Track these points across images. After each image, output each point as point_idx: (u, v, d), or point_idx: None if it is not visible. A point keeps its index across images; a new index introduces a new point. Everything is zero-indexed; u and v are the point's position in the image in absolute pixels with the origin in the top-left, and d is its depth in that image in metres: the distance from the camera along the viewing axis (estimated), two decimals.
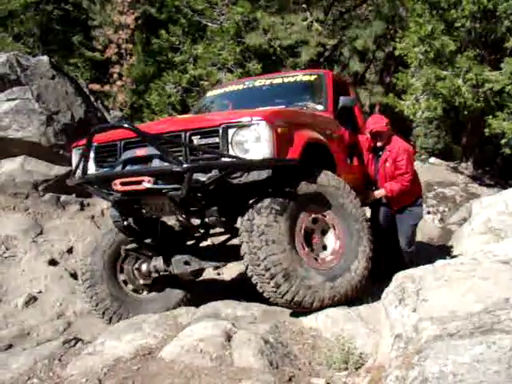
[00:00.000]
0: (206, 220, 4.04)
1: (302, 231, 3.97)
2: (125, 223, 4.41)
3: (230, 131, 3.67)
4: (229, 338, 3.26)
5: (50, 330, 5.31)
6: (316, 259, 4.05)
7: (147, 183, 3.73)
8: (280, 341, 3.48)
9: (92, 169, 4.27)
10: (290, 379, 2.99)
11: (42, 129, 7.85)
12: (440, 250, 7.98)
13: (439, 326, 2.61)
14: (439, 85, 11.27)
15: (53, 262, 6.62)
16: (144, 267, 4.77)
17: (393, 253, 5.74)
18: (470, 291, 2.94)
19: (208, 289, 5.92)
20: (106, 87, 20.14)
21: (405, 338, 2.83)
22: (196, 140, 3.80)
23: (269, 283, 3.71)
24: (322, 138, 4.39)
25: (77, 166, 4.18)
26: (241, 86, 5.88)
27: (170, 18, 17.72)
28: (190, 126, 3.88)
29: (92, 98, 9.58)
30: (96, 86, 18.33)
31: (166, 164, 3.70)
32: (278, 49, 14.77)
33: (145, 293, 4.90)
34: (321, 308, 3.91)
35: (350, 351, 3.32)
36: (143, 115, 17.48)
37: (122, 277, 4.83)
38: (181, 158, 3.70)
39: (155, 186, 3.77)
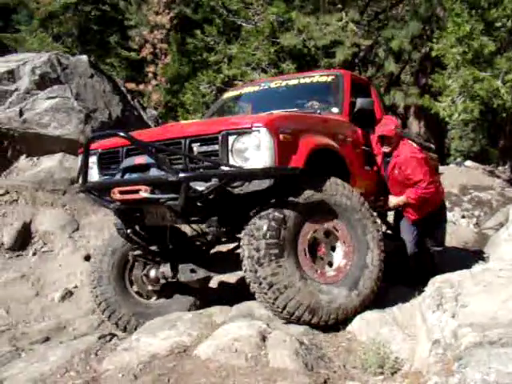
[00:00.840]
0: (207, 230, 3.91)
1: (308, 254, 3.77)
2: (128, 231, 4.30)
3: (231, 138, 3.50)
4: (264, 338, 3.24)
5: (86, 325, 5.40)
6: (330, 272, 3.90)
7: (144, 192, 3.63)
8: (314, 343, 3.45)
9: (96, 176, 4.22)
10: (325, 382, 2.96)
11: (80, 127, 8.01)
12: (476, 256, 7.82)
13: (480, 333, 2.56)
14: (477, 86, 11.04)
15: (88, 258, 6.71)
16: (152, 273, 4.67)
17: (420, 257, 5.45)
18: (511, 298, 2.87)
19: (240, 287, 5.93)
20: (141, 86, 20.42)
21: (443, 343, 2.78)
22: (196, 147, 3.64)
23: (298, 321, 3.63)
24: (332, 143, 4.16)
25: (79, 173, 4.11)
26: (257, 88, 5.66)
27: (205, 18, 17.84)
28: (189, 133, 3.72)
29: (129, 97, 9.71)
30: (131, 85, 18.58)
31: (163, 173, 3.57)
32: (313, 49, 14.69)
33: (153, 298, 4.83)
34: (355, 315, 3.86)
35: (385, 355, 3.27)
36: (177, 114, 17.63)
37: (134, 288, 4.78)
38: (181, 167, 3.60)
39: (152, 196, 3.66)
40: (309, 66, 14.73)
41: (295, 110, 4.77)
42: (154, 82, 20.56)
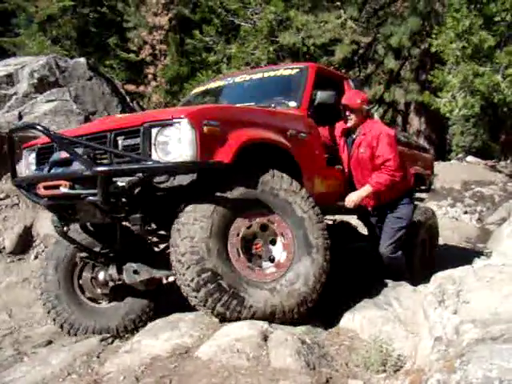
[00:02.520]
0: (133, 229, 3.69)
1: (255, 266, 3.58)
2: (65, 229, 4.12)
3: (154, 131, 3.31)
4: (265, 338, 3.22)
5: None
6: (283, 255, 3.68)
7: (64, 188, 3.51)
8: (316, 341, 3.43)
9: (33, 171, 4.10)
10: (327, 381, 2.95)
11: None
12: (478, 251, 7.81)
13: (482, 329, 2.55)
14: (477, 81, 11.04)
15: None
16: (101, 276, 4.43)
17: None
18: None
19: None
20: (141, 88, 20.45)
21: (445, 340, 2.77)
22: (121, 141, 3.45)
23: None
24: (276, 138, 3.87)
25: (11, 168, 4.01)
26: (222, 83, 5.49)
27: (203, 19, 17.90)
28: (114, 126, 3.55)
29: (128, 99, 9.71)
30: (131, 87, 18.63)
31: (82, 167, 3.38)
32: (312, 47, 14.71)
33: (105, 303, 4.58)
34: (329, 270, 3.79)
35: (387, 353, 3.26)
36: None
37: (86, 294, 4.57)
38: (106, 161, 3.45)
39: (71, 191, 3.52)
40: None
41: (252, 104, 4.54)
42: (153, 84, 20.60)
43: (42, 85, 8.11)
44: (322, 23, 14.27)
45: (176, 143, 3.26)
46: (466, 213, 11.21)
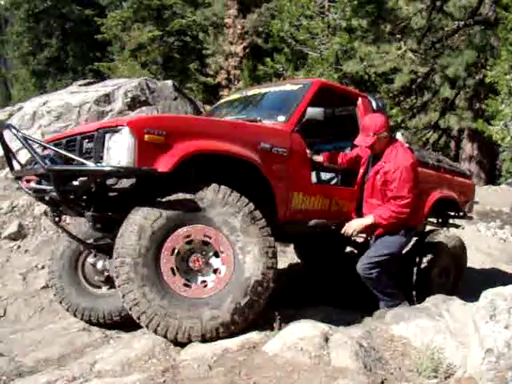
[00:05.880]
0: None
1: (179, 277, 3.39)
2: (56, 219, 4.10)
3: (107, 136, 3.25)
4: (326, 339, 3.23)
5: None
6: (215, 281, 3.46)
7: (33, 183, 3.62)
8: (372, 346, 3.40)
9: None
10: (382, 382, 2.92)
11: None
12: None
13: None
14: None
15: None
16: (99, 264, 4.34)
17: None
18: None
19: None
20: None
21: (496, 352, 2.70)
22: (85, 144, 3.46)
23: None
24: (238, 150, 3.54)
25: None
26: (238, 96, 5.22)
27: (274, 48, 18.05)
28: (82, 130, 3.58)
29: None
30: (207, 107, 19.00)
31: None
32: (373, 75, 14.57)
33: (105, 288, 4.61)
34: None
35: (439, 361, 3.19)
36: None
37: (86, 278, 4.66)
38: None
39: (37, 186, 3.61)
40: (369, 91, 14.63)
41: (243, 117, 4.31)
42: None
43: (134, 103, 8.44)
44: (384, 54, 14.12)
45: (117, 149, 3.19)
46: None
